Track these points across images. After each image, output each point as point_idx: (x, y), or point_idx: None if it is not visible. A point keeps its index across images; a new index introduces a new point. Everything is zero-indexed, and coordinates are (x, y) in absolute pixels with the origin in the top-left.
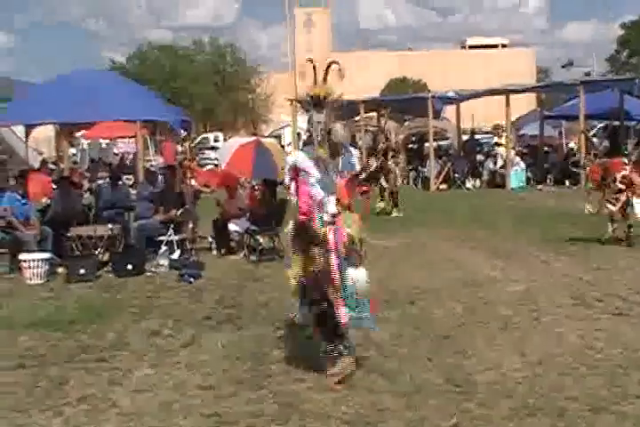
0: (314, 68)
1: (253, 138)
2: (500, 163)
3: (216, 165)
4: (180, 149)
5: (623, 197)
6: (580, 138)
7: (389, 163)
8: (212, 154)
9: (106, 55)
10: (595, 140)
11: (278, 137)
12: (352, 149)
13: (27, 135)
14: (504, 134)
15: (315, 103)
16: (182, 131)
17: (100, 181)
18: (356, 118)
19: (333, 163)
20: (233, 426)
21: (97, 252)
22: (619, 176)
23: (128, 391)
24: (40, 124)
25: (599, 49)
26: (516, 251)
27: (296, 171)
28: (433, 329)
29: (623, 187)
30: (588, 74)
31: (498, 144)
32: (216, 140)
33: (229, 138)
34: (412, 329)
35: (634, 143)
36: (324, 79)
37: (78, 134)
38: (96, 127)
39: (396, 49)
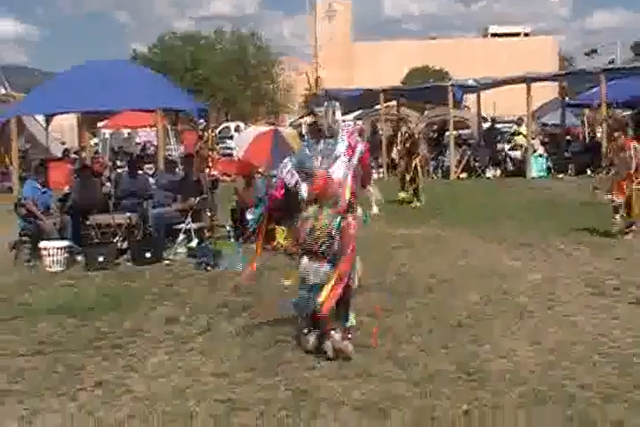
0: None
1: (271, 128)
2: (521, 152)
3: (230, 155)
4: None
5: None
6: (602, 126)
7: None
8: (232, 143)
9: (131, 46)
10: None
11: (299, 126)
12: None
13: (47, 124)
14: (523, 124)
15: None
16: (202, 120)
17: (120, 170)
18: (377, 107)
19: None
20: (245, 412)
21: (115, 240)
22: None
23: (143, 377)
24: (59, 114)
25: (625, 37)
26: (536, 241)
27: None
28: (449, 318)
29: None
30: (611, 62)
31: (519, 133)
32: (237, 130)
33: (248, 127)
34: (428, 318)
35: None
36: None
37: (100, 124)
38: (117, 117)
39: (419, 38)
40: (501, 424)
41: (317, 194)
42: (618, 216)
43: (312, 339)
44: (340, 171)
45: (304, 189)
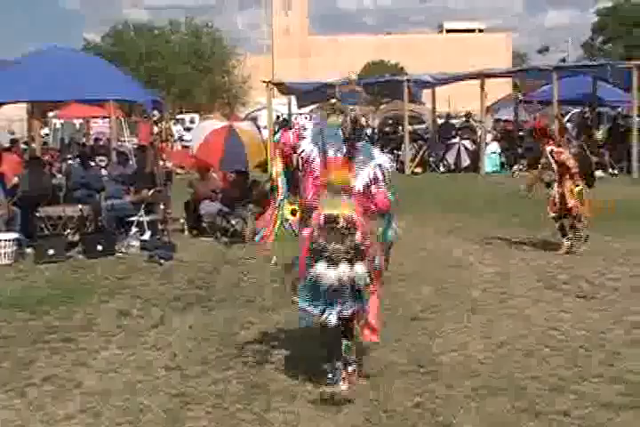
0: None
1: (226, 123)
2: (474, 147)
3: (187, 147)
4: (155, 130)
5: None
6: (554, 122)
7: None
8: (187, 135)
9: (83, 34)
10: (568, 125)
11: (255, 119)
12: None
13: None
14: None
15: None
16: (155, 112)
17: (71, 162)
18: (332, 101)
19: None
20: (198, 406)
21: (66, 232)
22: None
23: (94, 372)
24: (7, 103)
25: (576, 35)
26: (489, 235)
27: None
28: (403, 311)
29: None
30: (563, 60)
31: (469, 128)
32: (192, 122)
33: (204, 120)
34: (381, 311)
35: (606, 129)
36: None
37: (51, 114)
38: (69, 107)
39: (374, 32)
40: (453, 416)
41: (332, 176)
42: (564, 240)
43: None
44: (358, 181)
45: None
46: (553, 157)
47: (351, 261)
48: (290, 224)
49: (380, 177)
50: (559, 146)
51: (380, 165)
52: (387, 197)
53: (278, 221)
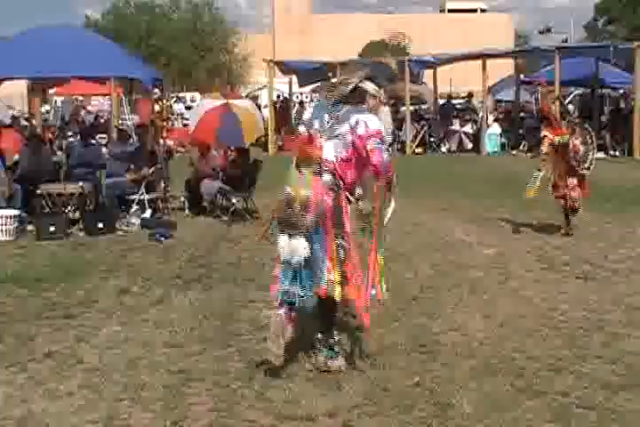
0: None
1: (223, 102)
2: (474, 129)
3: (187, 125)
4: (156, 108)
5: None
6: (555, 104)
7: None
8: (187, 114)
9: (81, 10)
10: (570, 106)
11: (255, 98)
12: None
13: None
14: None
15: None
16: (156, 89)
17: (71, 139)
18: (333, 80)
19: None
20: (199, 383)
21: (67, 210)
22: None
23: (95, 348)
24: (7, 80)
25: (578, 16)
26: (489, 215)
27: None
28: (402, 292)
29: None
30: (565, 41)
31: (470, 109)
32: (192, 100)
33: (205, 98)
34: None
35: (609, 111)
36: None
37: (51, 91)
38: (69, 85)
39: (377, 12)
40: (453, 395)
41: (297, 152)
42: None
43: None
44: (329, 151)
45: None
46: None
47: (305, 238)
48: None
49: (363, 132)
50: (557, 131)
51: (357, 123)
52: (382, 157)
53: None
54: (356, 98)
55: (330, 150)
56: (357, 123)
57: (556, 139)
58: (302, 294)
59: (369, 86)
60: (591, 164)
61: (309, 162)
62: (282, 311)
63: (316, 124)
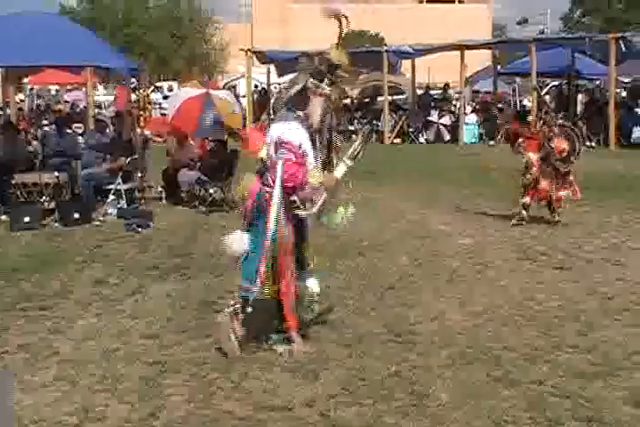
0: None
1: (203, 91)
2: (452, 121)
3: (164, 115)
4: (133, 97)
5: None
6: (532, 95)
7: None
8: (165, 103)
9: None
10: (547, 97)
11: (233, 87)
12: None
13: None
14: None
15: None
16: (133, 79)
17: (46, 128)
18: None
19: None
20: (176, 374)
21: (42, 200)
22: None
23: (70, 340)
24: None
25: (555, 7)
26: (467, 205)
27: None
28: (380, 281)
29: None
30: (542, 32)
31: (447, 99)
32: (170, 90)
33: (183, 87)
34: (359, 280)
35: (584, 102)
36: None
37: (26, 80)
38: (44, 73)
39: (354, 2)
40: (430, 384)
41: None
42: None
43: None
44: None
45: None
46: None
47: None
48: None
49: (277, 140)
50: (532, 145)
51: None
52: (278, 169)
53: None
54: (304, 99)
55: (263, 151)
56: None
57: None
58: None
59: (309, 83)
60: (577, 156)
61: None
62: (227, 311)
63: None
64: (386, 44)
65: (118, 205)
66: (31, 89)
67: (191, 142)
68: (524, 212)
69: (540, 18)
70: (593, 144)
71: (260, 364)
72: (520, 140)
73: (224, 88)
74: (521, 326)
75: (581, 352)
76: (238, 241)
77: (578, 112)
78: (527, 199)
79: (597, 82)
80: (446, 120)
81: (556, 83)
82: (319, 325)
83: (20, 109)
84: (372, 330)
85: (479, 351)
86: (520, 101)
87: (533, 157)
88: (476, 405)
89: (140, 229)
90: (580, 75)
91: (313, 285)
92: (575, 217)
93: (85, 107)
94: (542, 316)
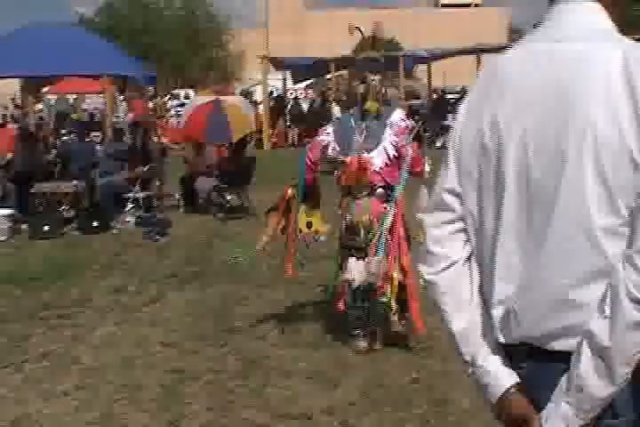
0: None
1: (213, 98)
2: None
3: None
4: (150, 105)
5: None
6: None
7: None
8: (181, 111)
9: (75, 9)
10: None
11: (250, 93)
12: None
13: None
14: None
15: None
16: (150, 87)
17: (65, 137)
18: (327, 77)
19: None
20: (195, 382)
21: (62, 208)
22: None
23: (90, 348)
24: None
25: None
26: None
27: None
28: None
29: None
30: None
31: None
32: (187, 98)
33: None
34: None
35: None
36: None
37: (44, 90)
38: (62, 83)
39: (370, 7)
40: (449, 390)
41: (349, 180)
42: None
43: (363, 343)
44: (378, 158)
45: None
46: None
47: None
48: (303, 237)
49: (398, 139)
50: None
51: (391, 126)
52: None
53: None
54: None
55: (377, 162)
56: (392, 123)
57: None
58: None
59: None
60: None
61: (361, 186)
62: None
63: (359, 138)
64: (401, 49)
65: (136, 214)
66: (49, 99)
67: (208, 149)
68: None
69: None
70: None
71: (278, 371)
72: None
73: (241, 94)
74: None
75: None
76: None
77: None
78: None
79: None
80: None
81: None
82: (337, 332)
83: (41, 119)
84: (392, 335)
85: None
86: None
87: None
88: None
89: (158, 238)
90: None
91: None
92: None
93: (103, 115)
94: None
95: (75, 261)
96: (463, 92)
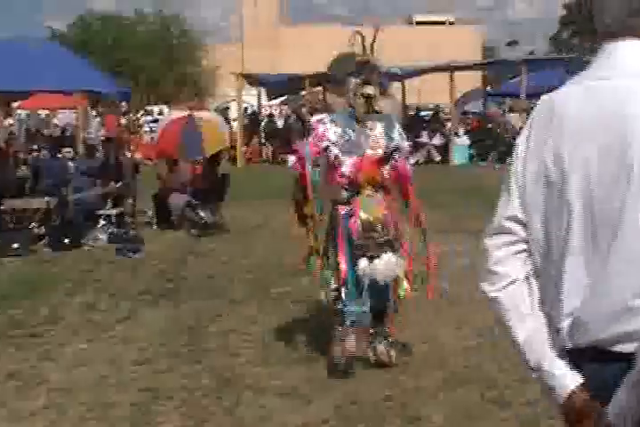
0: (362, 37)
1: (186, 113)
2: (442, 141)
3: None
4: (123, 121)
5: None
6: (522, 116)
7: None
8: (155, 127)
9: (47, 23)
10: None
11: (226, 109)
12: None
13: None
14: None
15: (360, 71)
16: (123, 103)
17: (36, 153)
18: (302, 93)
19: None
20: (168, 400)
21: (32, 225)
22: None
23: (60, 367)
24: None
25: (544, 28)
26: (461, 226)
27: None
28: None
29: None
30: (531, 53)
31: (438, 122)
32: (160, 114)
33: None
34: None
35: None
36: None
37: (15, 104)
38: (34, 98)
39: (345, 23)
40: (423, 407)
41: (360, 176)
42: None
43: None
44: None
45: (347, 164)
46: None
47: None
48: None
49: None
50: None
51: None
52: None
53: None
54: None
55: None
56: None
57: None
58: (364, 310)
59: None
60: None
61: (373, 184)
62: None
63: (362, 142)
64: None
65: (109, 231)
66: (20, 114)
67: (182, 166)
68: None
69: (530, 39)
70: None
71: (251, 389)
72: None
73: (216, 111)
74: None
75: None
76: (392, 264)
77: None
78: None
79: None
80: (437, 140)
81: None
82: (311, 349)
83: (12, 133)
84: (365, 352)
85: (473, 373)
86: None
87: None
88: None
89: (130, 254)
90: None
91: None
92: None
93: (75, 131)
94: None
95: (45, 278)
96: (436, 110)
